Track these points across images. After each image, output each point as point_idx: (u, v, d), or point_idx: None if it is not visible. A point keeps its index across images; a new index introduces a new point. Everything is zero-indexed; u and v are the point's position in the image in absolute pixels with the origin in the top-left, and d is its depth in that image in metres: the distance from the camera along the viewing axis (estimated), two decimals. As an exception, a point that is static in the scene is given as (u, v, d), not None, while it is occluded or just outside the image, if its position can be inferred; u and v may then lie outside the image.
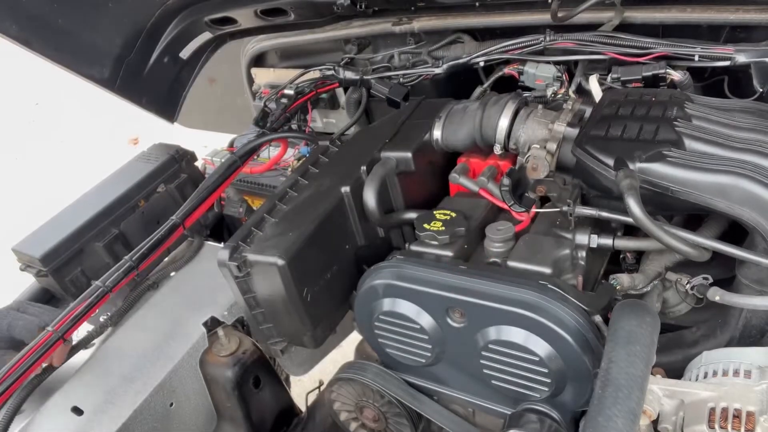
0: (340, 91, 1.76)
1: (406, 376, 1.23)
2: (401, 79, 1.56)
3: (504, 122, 1.23)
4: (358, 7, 1.50)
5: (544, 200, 1.11)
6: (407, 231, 1.32)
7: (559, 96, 1.33)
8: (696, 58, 1.19)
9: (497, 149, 1.25)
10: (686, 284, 1.09)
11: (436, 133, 1.30)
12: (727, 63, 1.16)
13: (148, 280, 1.52)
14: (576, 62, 1.34)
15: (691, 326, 1.17)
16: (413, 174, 1.27)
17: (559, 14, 1.23)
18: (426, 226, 1.13)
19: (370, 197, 1.20)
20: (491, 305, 0.99)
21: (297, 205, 1.22)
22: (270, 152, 1.81)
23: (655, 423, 0.91)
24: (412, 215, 1.23)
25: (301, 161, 1.58)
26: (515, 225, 1.11)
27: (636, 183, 0.94)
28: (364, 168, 1.22)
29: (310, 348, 1.24)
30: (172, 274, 1.59)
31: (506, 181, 1.12)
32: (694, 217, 1.16)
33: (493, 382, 1.06)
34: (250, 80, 1.90)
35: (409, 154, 1.24)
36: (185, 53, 1.83)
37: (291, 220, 1.18)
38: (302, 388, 1.74)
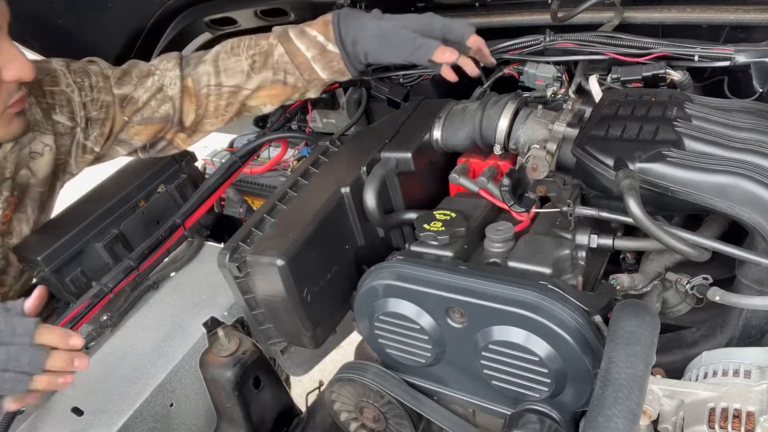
0: (340, 91, 1.76)
1: (407, 376, 1.23)
2: (401, 80, 1.56)
3: (504, 123, 1.23)
4: (357, 7, 1.50)
5: (544, 200, 1.11)
6: (407, 231, 1.32)
7: (559, 96, 1.33)
8: (696, 58, 1.19)
9: (497, 149, 1.25)
10: (686, 284, 1.09)
11: (436, 134, 1.30)
12: (727, 63, 1.16)
13: (148, 281, 1.52)
14: (576, 62, 1.34)
15: (691, 326, 1.17)
16: (413, 174, 1.27)
17: (559, 14, 1.23)
18: (426, 226, 1.13)
19: (370, 198, 1.20)
20: (491, 305, 0.99)
21: (297, 206, 1.22)
22: (270, 153, 1.81)
23: (655, 423, 0.91)
24: (412, 215, 1.24)
25: (300, 161, 1.58)
26: (515, 225, 1.11)
27: (636, 183, 0.94)
28: (363, 168, 1.22)
29: (310, 348, 1.24)
30: (172, 274, 1.59)
31: (506, 181, 1.12)
32: (694, 217, 1.16)
33: (493, 382, 1.06)
34: (250, 80, 1.90)
35: (409, 155, 1.24)
36: (185, 53, 1.83)
37: (291, 220, 1.18)
38: (302, 388, 1.75)
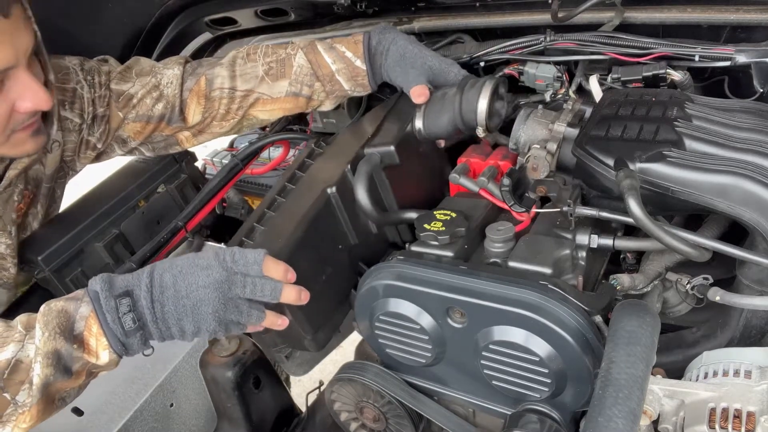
0: (340, 91, 1.76)
1: (407, 376, 1.23)
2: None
3: (483, 103, 1.21)
4: (358, 7, 1.49)
5: (544, 200, 1.11)
6: (402, 225, 1.31)
7: (560, 96, 1.33)
8: (696, 58, 1.19)
9: (480, 132, 1.24)
10: (686, 284, 1.09)
11: (418, 123, 1.30)
12: (727, 63, 1.15)
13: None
14: (576, 62, 1.34)
15: (691, 326, 1.17)
16: (400, 167, 1.26)
17: (560, 14, 1.23)
18: (426, 226, 1.13)
19: (362, 195, 1.19)
20: (491, 305, 0.99)
21: (285, 212, 1.21)
22: (270, 153, 1.81)
23: (655, 423, 0.91)
24: (412, 215, 1.23)
25: (288, 166, 1.58)
26: (515, 225, 1.11)
27: (636, 183, 0.94)
28: (348, 167, 1.22)
29: (313, 351, 1.24)
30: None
31: (506, 181, 1.12)
32: (694, 217, 1.16)
33: (493, 382, 1.06)
34: (251, 80, 1.90)
35: (392, 148, 1.24)
36: (185, 53, 1.83)
37: (279, 226, 1.17)
38: (302, 388, 1.75)
